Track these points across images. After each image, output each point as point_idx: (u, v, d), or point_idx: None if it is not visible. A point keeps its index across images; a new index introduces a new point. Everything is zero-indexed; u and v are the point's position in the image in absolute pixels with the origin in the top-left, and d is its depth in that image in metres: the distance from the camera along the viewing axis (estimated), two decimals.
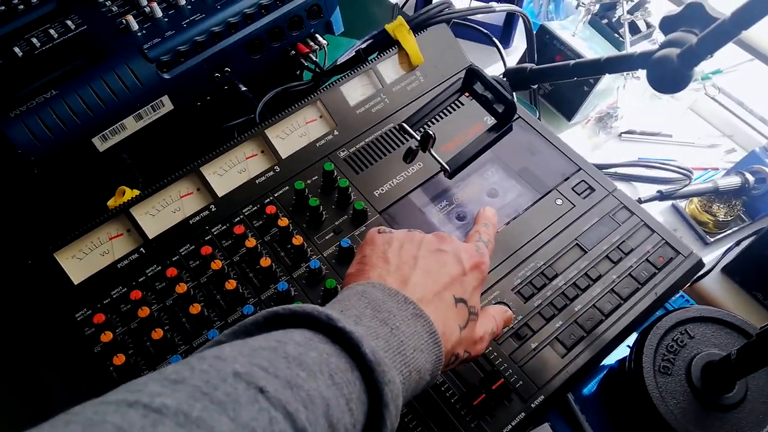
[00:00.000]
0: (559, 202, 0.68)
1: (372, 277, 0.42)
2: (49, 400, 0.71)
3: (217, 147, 0.67)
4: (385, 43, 0.78)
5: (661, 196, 0.85)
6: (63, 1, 0.75)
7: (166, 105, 0.73)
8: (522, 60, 0.96)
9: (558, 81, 0.50)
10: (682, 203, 0.90)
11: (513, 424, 0.55)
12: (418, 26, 0.77)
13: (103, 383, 0.56)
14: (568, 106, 0.96)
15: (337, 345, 0.32)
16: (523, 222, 0.67)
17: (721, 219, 0.87)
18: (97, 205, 0.66)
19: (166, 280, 0.59)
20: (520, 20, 1.00)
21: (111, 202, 0.66)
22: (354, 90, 0.73)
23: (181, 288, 0.57)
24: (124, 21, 0.71)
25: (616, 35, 0.94)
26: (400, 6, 1.10)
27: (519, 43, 1.06)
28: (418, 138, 0.52)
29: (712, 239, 0.87)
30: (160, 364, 0.56)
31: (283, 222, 0.62)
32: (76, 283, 0.60)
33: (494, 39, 0.85)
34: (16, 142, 0.63)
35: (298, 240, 0.61)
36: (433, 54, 0.76)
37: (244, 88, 0.78)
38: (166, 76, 0.71)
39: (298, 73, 0.89)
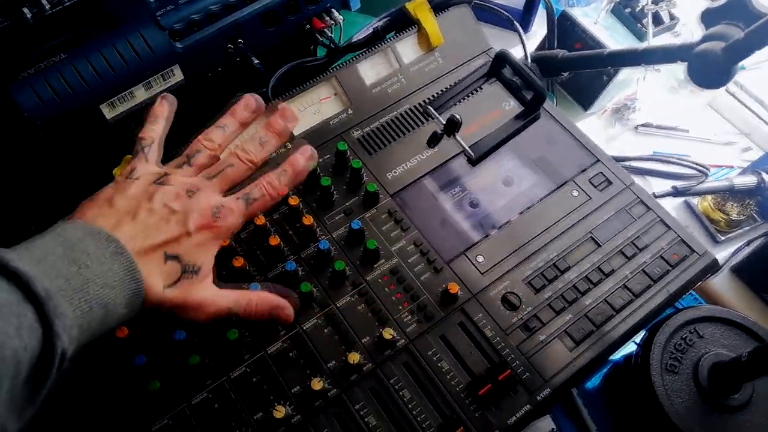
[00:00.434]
0: (575, 193, 0.67)
1: (87, 217, 0.45)
2: None
3: None
4: (402, 22, 0.76)
5: (676, 192, 0.84)
6: None
7: (177, 75, 0.71)
8: (541, 46, 0.94)
9: (589, 70, 0.48)
10: (694, 200, 0.89)
11: (518, 415, 0.55)
12: (438, 6, 0.75)
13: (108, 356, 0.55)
14: (585, 96, 0.94)
15: (8, 282, 0.35)
16: (537, 212, 0.65)
17: (733, 218, 0.86)
18: (104, 174, 0.64)
19: None
20: (541, 5, 0.98)
21: (117, 171, 0.65)
22: (370, 69, 0.71)
23: None
24: None
25: (638, 25, 0.92)
26: None
27: (537, 28, 1.04)
28: (443, 122, 0.50)
29: (723, 238, 0.86)
30: (164, 338, 0.55)
31: (294, 201, 0.61)
32: None
33: (516, 23, 0.83)
34: (22, 104, 0.61)
35: (308, 220, 0.59)
36: (452, 35, 0.74)
37: (256, 62, 0.76)
38: (178, 46, 0.69)
39: (312, 48, 0.87)
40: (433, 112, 0.51)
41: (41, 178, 0.72)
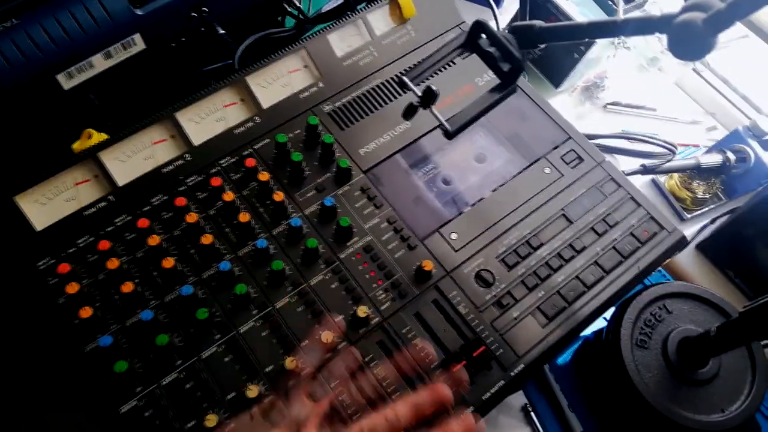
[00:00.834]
0: (547, 170, 0.67)
1: None
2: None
3: (191, 93, 0.62)
4: None
5: (644, 170, 0.84)
6: None
7: (138, 44, 0.68)
8: (513, 22, 0.93)
9: (566, 41, 0.48)
10: (661, 178, 0.90)
11: (492, 391, 0.55)
12: None
13: (66, 337, 0.52)
14: (556, 73, 0.94)
15: None
16: (510, 189, 0.65)
17: (699, 196, 0.87)
18: (62, 147, 0.61)
19: (137, 231, 0.56)
20: None
21: (76, 145, 0.61)
22: (341, 40, 0.69)
23: (153, 240, 0.54)
24: None
25: (609, 2, 0.91)
26: None
27: (509, 4, 1.03)
28: (419, 93, 0.49)
29: (689, 216, 0.88)
30: (129, 319, 0.53)
31: (264, 176, 0.59)
32: (38, 230, 0.55)
33: None
34: None
35: (278, 196, 0.58)
36: (425, 8, 0.73)
37: (222, 31, 0.73)
38: (139, 12, 0.66)
39: (279, 19, 0.84)
40: (409, 83, 0.49)
41: None
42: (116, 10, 0.64)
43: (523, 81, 0.71)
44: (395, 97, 0.68)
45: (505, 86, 0.49)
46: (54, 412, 0.52)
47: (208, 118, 0.62)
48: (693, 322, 0.64)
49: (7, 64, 0.59)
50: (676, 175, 0.89)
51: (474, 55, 0.55)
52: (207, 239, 0.55)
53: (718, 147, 0.87)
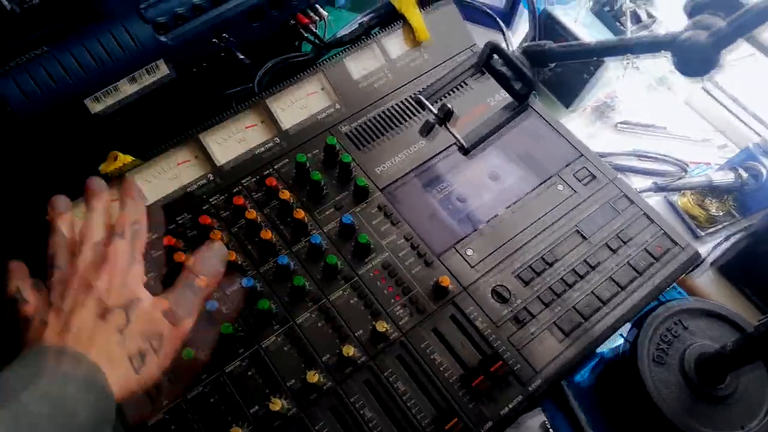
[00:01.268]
0: (560, 188, 0.68)
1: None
2: None
3: (213, 115, 0.64)
4: (388, 18, 0.76)
5: (656, 188, 0.85)
6: None
7: (162, 69, 0.70)
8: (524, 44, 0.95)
9: (576, 61, 0.49)
10: (674, 196, 0.91)
11: (510, 406, 0.55)
12: (423, 2, 0.76)
13: None
14: (567, 94, 0.95)
15: None
16: (523, 207, 0.66)
17: (712, 213, 0.88)
18: (89, 169, 0.63)
19: (164, 248, 0.57)
20: (523, 4, 1.00)
21: (103, 167, 0.63)
22: (358, 63, 0.71)
23: (179, 257, 0.56)
24: None
25: (617, 23, 0.93)
26: None
27: (519, 27, 1.05)
28: (436, 112, 0.51)
29: (702, 233, 0.88)
30: None
31: (285, 195, 0.60)
32: None
33: (498, 20, 0.84)
34: (5, 99, 0.60)
35: (299, 214, 0.59)
36: (438, 31, 0.75)
37: (242, 56, 0.76)
38: (163, 39, 0.68)
39: (297, 44, 0.86)
40: (425, 101, 0.51)
41: (25, 173, 0.70)
42: (142, 37, 0.66)
43: (534, 101, 0.73)
44: (410, 118, 0.70)
45: (518, 104, 0.51)
46: None
47: (231, 140, 0.64)
48: (710, 338, 0.64)
49: (38, 90, 0.61)
50: (688, 193, 0.89)
51: (486, 76, 0.57)
52: (231, 256, 0.56)
53: (730, 164, 0.88)
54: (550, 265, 0.63)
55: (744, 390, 0.61)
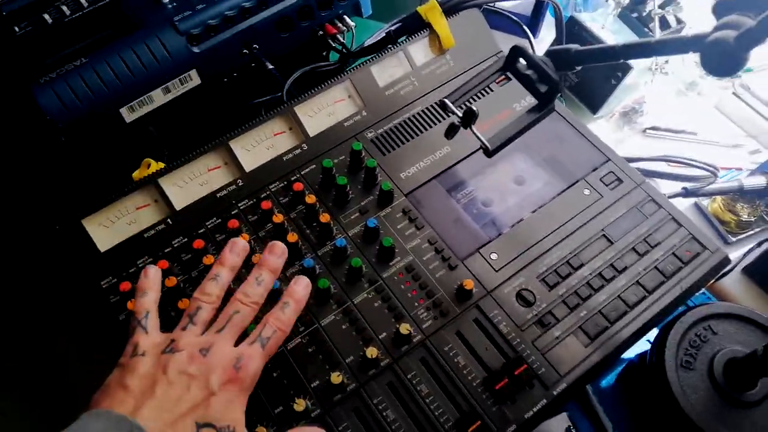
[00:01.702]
0: (586, 192, 0.68)
1: (103, 403, 0.43)
2: (62, 369, 0.71)
3: (243, 123, 0.66)
4: (414, 27, 0.77)
5: (686, 193, 0.84)
6: None
7: (194, 79, 0.73)
8: None
9: (602, 63, 0.49)
10: (704, 201, 0.90)
11: (534, 410, 0.55)
12: (449, 10, 0.77)
13: None
14: (594, 99, 0.95)
15: None
16: (549, 211, 0.66)
17: (744, 219, 0.86)
18: (123, 176, 0.65)
19: (193, 251, 0.59)
20: (548, 12, 1.00)
21: (136, 174, 0.66)
22: (383, 71, 0.72)
23: (208, 260, 0.57)
24: None
25: (645, 29, 0.93)
26: None
27: (545, 34, 1.05)
28: (460, 114, 0.51)
29: (733, 239, 0.87)
30: None
31: (311, 199, 0.62)
32: (102, 251, 0.60)
33: (524, 27, 0.84)
34: (45, 108, 0.63)
35: (325, 218, 0.60)
36: (463, 38, 0.76)
37: (271, 66, 0.78)
38: (196, 50, 0.71)
39: (324, 54, 0.88)
40: (450, 104, 0.52)
41: (62, 179, 0.73)
42: (175, 48, 0.69)
43: (560, 106, 0.73)
44: (435, 124, 0.71)
45: (543, 107, 0.51)
46: None
47: (259, 146, 0.66)
48: (739, 342, 0.63)
49: (77, 99, 0.64)
50: (719, 199, 0.88)
51: (512, 82, 0.57)
52: (257, 259, 0.58)
53: (762, 169, 0.87)
54: (576, 269, 0.63)
55: None
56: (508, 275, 0.62)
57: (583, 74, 0.95)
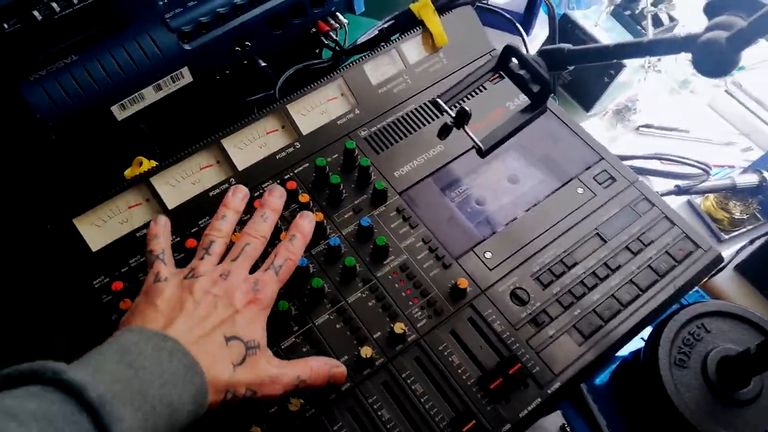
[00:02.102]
0: (580, 191, 0.68)
1: (134, 322, 0.46)
2: None
3: (235, 122, 0.66)
4: (406, 24, 0.77)
5: (679, 191, 0.84)
6: None
7: (186, 77, 0.72)
8: None
9: (595, 63, 0.49)
10: (697, 199, 0.90)
11: (529, 409, 0.55)
12: (442, 7, 0.76)
13: None
14: (587, 97, 0.95)
15: (64, 393, 0.36)
16: (543, 209, 0.66)
17: (736, 217, 0.87)
18: (115, 174, 0.65)
19: (186, 251, 0.59)
20: (542, 8, 1.00)
21: (128, 172, 0.65)
22: (376, 69, 0.72)
23: None
24: None
25: (638, 27, 0.93)
26: None
27: (538, 32, 1.05)
28: (453, 114, 0.51)
29: (726, 237, 0.87)
30: None
31: (304, 198, 0.61)
32: (94, 250, 0.59)
33: (517, 25, 0.84)
34: (34, 106, 0.62)
35: (318, 216, 0.60)
36: (456, 36, 0.75)
37: (263, 64, 0.77)
38: (187, 47, 0.70)
39: (317, 51, 0.88)
40: (443, 104, 0.52)
41: (53, 178, 0.72)
42: (167, 45, 0.68)
43: (553, 104, 0.73)
44: (429, 122, 0.70)
45: (536, 106, 0.51)
46: None
47: (252, 145, 0.65)
48: (732, 341, 0.63)
49: (67, 97, 0.63)
50: (712, 196, 0.88)
51: (504, 80, 0.57)
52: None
53: (755, 167, 0.87)
54: (570, 267, 0.63)
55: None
56: (502, 274, 0.61)
57: (576, 72, 0.95)
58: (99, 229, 0.59)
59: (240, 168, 0.65)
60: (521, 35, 0.85)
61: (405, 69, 0.73)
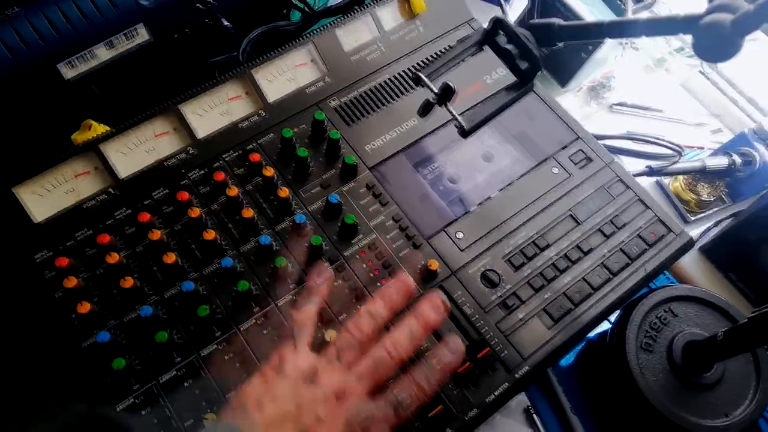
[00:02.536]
0: (555, 170, 0.66)
1: (235, 417, 0.43)
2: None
3: (195, 85, 0.61)
4: None
5: (650, 171, 0.84)
6: None
7: (141, 34, 0.67)
8: (521, 19, 0.92)
9: (586, 40, 0.47)
10: (666, 180, 0.90)
11: (496, 393, 0.54)
12: None
13: (63, 332, 0.51)
14: (563, 72, 0.93)
15: None
16: (517, 189, 0.64)
17: (704, 198, 0.87)
18: (62, 138, 0.60)
19: (138, 225, 0.55)
20: None
21: (76, 136, 0.60)
22: (349, 35, 0.68)
23: (154, 235, 0.53)
24: None
25: (618, 2, 0.90)
26: None
27: (516, 2, 1.02)
28: (437, 90, 0.48)
29: (692, 218, 0.87)
30: (128, 315, 0.52)
31: (269, 171, 0.58)
32: (37, 222, 0.54)
33: None
34: None
35: (284, 192, 0.57)
36: (435, 4, 0.72)
37: (227, 23, 0.72)
38: (143, 2, 0.65)
39: (285, 12, 0.83)
40: (425, 79, 0.48)
41: None
42: None
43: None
44: (403, 94, 0.67)
45: (522, 84, 0.48)
46: (54, 402, 0.51)
47: (213, 112, 0.61)
48: (698, 326, 0.63)
49: (8, 53, 0.58)
50: (681, 177, 0.88)
51: (483, 52, 0.54)
52: (209, 235, 0.54)
53: (724, 149, 0.87)
54: (542, 249, 0.61)
55: (729, 378, 0.60)
56: (474, 255, 0.60)
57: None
58: (42, 198, 0.55)
59: (199, 136, 0.60)
60: (501, 5, 0.81)
61: (380, 36, 0.69)
